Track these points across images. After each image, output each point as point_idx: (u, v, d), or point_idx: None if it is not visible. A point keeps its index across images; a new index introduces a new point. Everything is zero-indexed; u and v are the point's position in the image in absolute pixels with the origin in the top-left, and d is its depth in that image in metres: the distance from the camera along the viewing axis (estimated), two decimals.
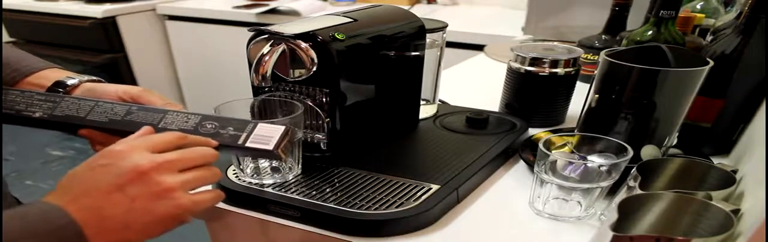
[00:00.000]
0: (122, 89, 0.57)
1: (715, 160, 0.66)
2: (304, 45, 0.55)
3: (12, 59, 0.59)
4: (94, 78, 0.60)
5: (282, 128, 0.49)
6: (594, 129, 0.62)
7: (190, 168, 0.44)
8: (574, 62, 0.78)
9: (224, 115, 0.52)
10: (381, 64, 0.65)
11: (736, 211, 0.48)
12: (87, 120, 0.52)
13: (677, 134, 0.64)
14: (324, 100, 0.60)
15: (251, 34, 0.58)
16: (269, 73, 0.55)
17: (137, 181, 0.41)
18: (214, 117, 0.51)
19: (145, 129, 0.47)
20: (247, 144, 0.49)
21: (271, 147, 0.48)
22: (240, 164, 0.60)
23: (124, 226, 0.40)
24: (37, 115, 0.52)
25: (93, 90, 0.58)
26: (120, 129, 0.50)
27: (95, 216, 0.39)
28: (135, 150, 0.42)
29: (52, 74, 0.59)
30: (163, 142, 0.44)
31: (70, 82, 0.58)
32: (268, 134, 0.49)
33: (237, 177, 0.61)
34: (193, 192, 0.44)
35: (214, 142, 0.48)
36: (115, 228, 0.40)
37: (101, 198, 0.40)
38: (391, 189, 0.58)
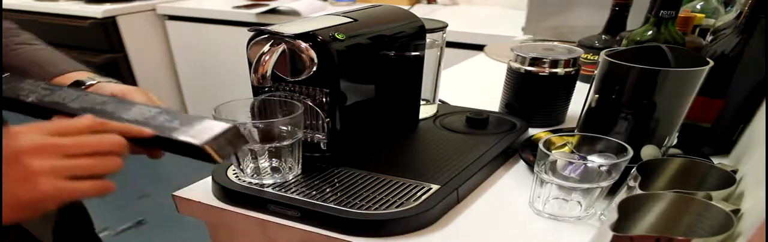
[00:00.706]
0: (118, 88, 0.60)
1: (715, 160, 0.66)
2: (304, 45, 0.55)
3: (45, 61, 0.64)
4: (113, 80, 0.64)
5: (226, 126, 0.46)
6: (594, 129, 0.62)
7: (87, 155, 0.42)
8: (574, 62, 0.78)
9: (190, 115, 0.50)
10: (381, 64, 0.65)
11: (736, 211, 0.48)
12: (66, 106, 0.52)
13: (677, 134, 0.64)
14: (324, 100, 0.60)
15: (251, 34, 0.58)
16: (269, 73, 0.55)
17: (9, 163, 0.40)
18: (171, 111, 0.49)
19: (85, 116, 0.45)
20: (179, 137, 0.45)
21: (199, 141, 0.45)
22: (240, 164, 0.60)
23: None
24: (30, 99, 0.53)
25: (97, 88, 0.62)
26: None
27: None
28: (30, 132, 0.41)
29: (77, 76, 0.64)
30: (72, 127, 0.43)
31: (88, 82, 0.62)
32: (206, 130, 0.46)
33: (237, 177, 0.61)
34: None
35: (147, 131, 0.46)
36: None
37: None
38: (391, 189, 0.58)
